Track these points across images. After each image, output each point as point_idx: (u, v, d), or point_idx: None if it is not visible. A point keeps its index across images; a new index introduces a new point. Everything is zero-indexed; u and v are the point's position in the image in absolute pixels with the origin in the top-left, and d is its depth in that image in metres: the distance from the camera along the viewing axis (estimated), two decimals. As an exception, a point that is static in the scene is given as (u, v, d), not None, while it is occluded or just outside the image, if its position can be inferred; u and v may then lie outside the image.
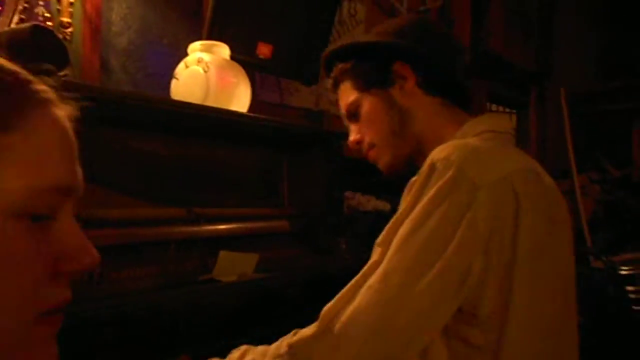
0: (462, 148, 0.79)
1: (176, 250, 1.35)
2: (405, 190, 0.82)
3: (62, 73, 0.99)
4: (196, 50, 1.42)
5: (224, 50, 1.45)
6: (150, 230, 1.31)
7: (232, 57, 1.48)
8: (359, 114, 0.97)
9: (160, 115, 1.31)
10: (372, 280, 0.75)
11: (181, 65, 1.41)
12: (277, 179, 1.78)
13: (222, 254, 1.36)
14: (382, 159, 0.97)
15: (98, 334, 1.05)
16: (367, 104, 0.95)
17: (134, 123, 1.33)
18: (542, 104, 4.24)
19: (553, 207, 0.86)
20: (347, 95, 0.98)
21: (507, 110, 4.14)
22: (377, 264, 0.76)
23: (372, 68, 0.95)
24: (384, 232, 0.80)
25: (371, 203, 2.26)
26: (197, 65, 1.37)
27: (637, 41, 4.42)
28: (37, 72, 0.43)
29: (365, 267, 0.78)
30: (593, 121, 4.35)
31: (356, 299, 0.75)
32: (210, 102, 1.36)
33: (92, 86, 1.29)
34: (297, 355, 0.78)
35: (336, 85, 1.01)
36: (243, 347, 0.89)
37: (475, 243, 0.74)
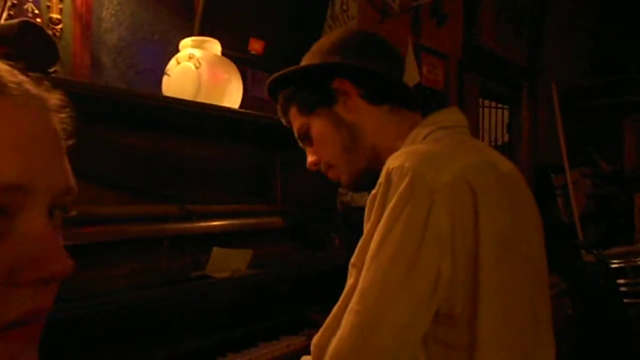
0: (414, 154, 0.80)
1: (169, 247, 1.35)
2: (367, 205, 0.82)
3: (51, 69, 0.98)
4: (187, 46, 1.41)
5: (215, 46, 1.45)
6: (143, 227, 1.30)
7: (224, 53, 1.48)
8: (310, 137, 0.97)
9: (152, 112, 1.31)
10: (352, 303, 0.75)
11: (172, 61, 1.40)
12: (269, 175, 1.78)
13: (216, 250, 1.36)
14: (342, 177, 0.97)
15: (91, 330, 1.05)
16: (316, 126, 0.95)
17: (125, 120, 1.33)
18: (534, 100, 4.26)
19: (513, 194, 0.86)
20: (295, 120, 0.99)
21: (500, 106, 4.15)
22: (354, 285, 0.77)
23: (312, 91, 0.95)
24: (356, 252, 0.79)
25: (364, 199, 2.26)
26: (189, 61, 1.37)
27: (626, 37, 4.45)
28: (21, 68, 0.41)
29: (345, 291, 0.79)
30: (584, 116, 4.38)
31: (341, 327, 0.75)
32: (202, 99, 1.36)
33: (83, 83, 1.29)
34: None
35: (284, 112, 1.01)
36: None
37: (441, 245, 0.74)
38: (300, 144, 1.02)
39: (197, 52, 1.38)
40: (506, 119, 4.23)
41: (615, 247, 2.71)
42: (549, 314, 0.89)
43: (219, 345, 1.24)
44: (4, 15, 1.14)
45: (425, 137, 0.88)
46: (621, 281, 2.20)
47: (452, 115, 0.93)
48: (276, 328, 1.34)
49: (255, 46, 1.64)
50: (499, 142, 4.18)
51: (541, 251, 0.90)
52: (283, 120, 1.03)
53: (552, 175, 3.93)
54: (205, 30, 1.50)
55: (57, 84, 1.08)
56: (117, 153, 1.34)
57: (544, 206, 3.94)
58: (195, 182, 1.52)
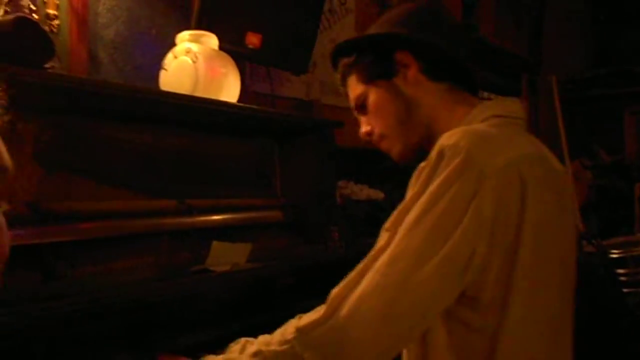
0: (470, 134, 0.79)
1: (169, 242, 1.35)
2: (414, 176, 0.82)
3: (47, 65, 0.98)
4: (184, 40, 1.41)
5: (212, 41, 1.44)
6: (142, 222, 1.31)
7: (221, 47, 1.47)
8: (366, 106, 0.97)
9: (150, 107, 1.31)
10: (379, 264, 0.76)
11: (169, 55, 1.40)
12: (269, 170, 1.78)
13: (215, 244, 1.37)
14: (394, 149, 0.97)
15: (91, 325, 1.05)
16: (373, 96, 0.95)
17: (123, 115, 1.33)
18: (534, 92, 4.25)
19: (560, 193, 0.86)
20: (354, 88, 0.98)
21: (518, 100, 4.14)
22: (384, 248, 0.77)
23: (374, 60, 0.95)
24: (391, 217, 0.80)
25: (364, 192, 2.26)
26: (186, 55, 1.36)
27: (626, 28, 4.43)
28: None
29: (373, 251, 0.79)
30: (584, 108, 4.37)
31: (363, 283, 0.76)
32: (200, 93, 1.36)
33: (80, 78, 1.28)
34: (305, 339, 0.78)
35: (344, 80, 1.01)
36: (242, 340, 0.89)
37: (480, 229, 0.74)
38: (355, 113, 1.02)
39: (194, 47, 1.38)
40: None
41: (616, 237, 2.71)
42: (572, 312, 0.89)
43: (219, 338, 1.24)
44: (1, 11, 1.14)
45: (484, 120, 0.88)
46: (621, 271, 2.20)
47: (512, 105, 0.93)
48: (276, 321, 1.35)
49: (253, 40, 1.64)
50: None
51: (573, 252, 0.90)
52: (341, 89, 1.03)
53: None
54: (202, 24, 1.50)
55: (54, 80, 1.08)
56: (115, 148, 1.35)
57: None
58: (194, 177, 1.52)
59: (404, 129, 0.94)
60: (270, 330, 1.31)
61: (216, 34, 1.46)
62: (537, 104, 4.26)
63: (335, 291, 0.79)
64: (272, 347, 0.81)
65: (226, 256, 1.37)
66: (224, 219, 1.49)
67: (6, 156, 0.43)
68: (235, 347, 0.88)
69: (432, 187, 0.76)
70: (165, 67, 1.39)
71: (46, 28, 1.29)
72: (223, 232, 1.44)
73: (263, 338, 0.85)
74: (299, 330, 0.79)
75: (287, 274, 1.45)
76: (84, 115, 1.26)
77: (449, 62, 0.94)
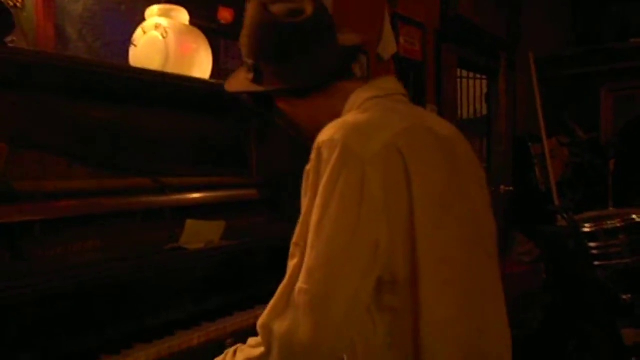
0: (342, 126, 0.80)
1: (142, 220, 1.34)
2: (303, 181, 0.82)
3: (8, 39, 0.95)
4: (153, 14, 1.38)
5: (182, 15, 1.42)
6: (115, 201, 1.29)
7: (192, 22, 1.45)
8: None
9: (119, 83, 1.28)
10: (299, 282, 0.75)
11: (138, 31, 1.37)
12: (244, 147, 1.77)
13: (189, 222, 1.36)
14: None
15: (65, 303, 1.04)
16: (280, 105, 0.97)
17: (93, 92, 1.30)
18: (512, 69, 4.26)
19: (451, 156, 0.86)
20: None
21: (478, 76, 4.16)
22: (300, 264, 0.76)
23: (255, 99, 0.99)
24: (297, 230, 0.79)
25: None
26: (155, 30, 1.34)
27: (605, 5, 4.46)
28: None
29: (289, 270, 0.78)
30: (562, 85, 4.41)
31: (290, 308, 0.75)
32: (170, 69, 1.34)
33: (47, 53, 1.25)
34: None
35: None
36: None
37: (377, 215, 0.75)
38: None
39: (164, 21, 1.35)
40: (484, 89, 4.24)
41: (589, 211, 2.77)
42: (496, 275, 0.91)
43: (195, 315, 1.25)
44: (-41, -16, 1.10)
45: (359, 105, 0.88)
46: (592, 244, 2.25)
47: (387, 84, 0.93)
48: (251, 298, 1.36)
49: (225, 15, 1.61)
50: (478, 115, 4.20)
51: (486, 209, 0.91)
52: None
53: (529, 144, 3.97)
54: (172, -2, 1.47)
55: (14, 54, 1.05)
56: (85, 126, 1.32)
57: (522, 175, 4.00)
58: (168, 155, 1.51)
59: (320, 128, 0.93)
60: (244, 307, 1.32)
61: (186, 9, 1.43)
62: (515, 82, 4.28)
63: (262, 322, 0.78)
64: None
65: (200, 234, 1.37)
66: (198, 197, 1.48)
67: None
68: None
69: (320, 189, 0.76)
70: (134, 42, 1.36)
71: (10, 3, 1.25)
72: (197, 210, 1.44)
73: None
74: None
75: (261, 251, 1.46)
76: (51, 92, 1.23)
77: (320, 77, 0.92)
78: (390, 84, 0.94)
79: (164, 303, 1.22)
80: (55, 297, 1.03)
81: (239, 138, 1.73)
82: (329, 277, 0.74)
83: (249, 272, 1.42)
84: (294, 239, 0.80)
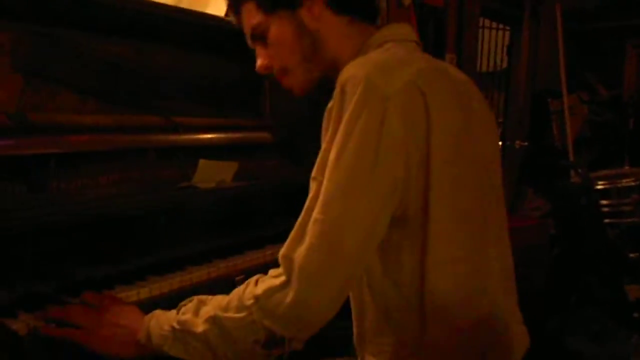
0: (365, 63, 0.81)
1: (156, 158, 1.35)
2: (325, 118, 0.82)
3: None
4: (169, -52, 1.34)
5: (199, -51, 1.38)
6: (128, 138, 1.30)
7: (209, -43, 1.41)
8: (266, 38, 0.92)
9: (133, 18, 1.26)
10: (315, 213, 0.76)
11: (153, -36, 1.34)
12: (258, 90, 1.75)
13: (202, 162, 1.37)
14: (296, 85, 0.94)
15: (77, 236, 1.07)
16: (275, 29, 0.91)
17: (108, 27, 1.29)
18: (536, 21, 4.12)
19: (464, 99, 0.87)
20: (252, 17, 0.92)
21: (500, 27, 4.03)
22: (316, 197, 0.77)
23: None
24: (316, 165, 0.80)
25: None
26: (170, -36, 1.30)
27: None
28: None
29: (307, 203, 0.79)
30: (587, 40, 4.27)
31: (306, 238, 0.76)
32: (185, 5, 1.31)
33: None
34: (264, 306, 0.78)
35: (238, 5, 0.94)
36: (195, 299, 0.86)
37: (397, 150, 0.76)
38: (250, 44, 0.97)
39: (179, -45, 1.32)
40: (506, 41, 4.12)
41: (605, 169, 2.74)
42: (503, 217, 0.92)
43: (206, 252, 1.28)
44: None
45: (377, 47, 0.88)
46: (605, 202, 2.24)
47: (401, 29, 0.93)
48: (261, 238, 1.38)
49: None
50: (498, 68, 4.10)
51: (496, 154, 0.93)
52: (232, 17, 0.98)
53: (549, 100, 3.89)
54: None
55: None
56: (100, 62, 1.31)
57: (539, 131, 3.94)
58: (182, 95, 1.50)
59: (308, 65, 0.91)
60: (255, 246, 1.34)
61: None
62: (539, 34, 4.15)
63: (282, 253, 0.79)
64: (230, 314, 0.80)
65: (213, 174, 1.38)
66: (211, 138, 1.48)
67: None
68: (188, 305, 0.85)
69: (342, 125, 0.76)
70: (150, -24, 1.33)
71: None
72: (210, 150, 1.44)
73: (218, 302, 0.83)
74: (257, 298, 0.79)
75: (273, 194, 1.47)
76: (66, 26, 1.22)
77: None
78: (405, 29, 0.94)
79: (176, 239, 1.25)
80: (70, 228, 1.05)
81: (253, 81, 1.72)
82: (345, 209, 0.75)
83: (260, 213, 1.43)
84: (312, 174, 0.80)
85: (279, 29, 0.90)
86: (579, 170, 2.17)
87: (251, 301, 0.79)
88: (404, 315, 0.84)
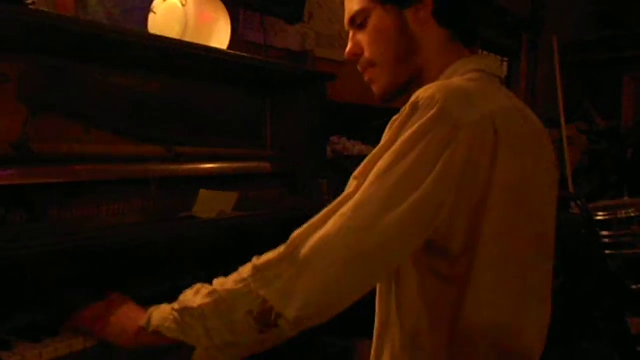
0: (446, 88, 0.79)
1: (157, 188, 1.36)
2: (387, 128, 0.80)
3: (28, 1, 0.96)
4: (174, -17, 1.37)
5: (203, -16, 1.41)
6: (130, 167, 1.31)
7: (212, -8, 1.44)
8: (365, 25, 0.91)
9: (138, 50, 1.28)
10: (345, 208, 0.75)
11: (158, -2, 1.37)
12: (260, 120, 1.77)
13: (202, 192, 1.38)
14: (379, 82, 0.93)
15: (76, 267, 1.07)
16: (378, 19, 0.89)
17: (112, 58, 1.31)
18: (534, 52, 4.19)
19: (537, 147, 0.86)
20: (358, 0, 0.91)
21: (499, 58, 4.09)
22: (352, 195, 0.76)
23: None
24: (361, 165, 0.79)
25: (357, 148, 2.26)
26: (175, -2, 1.33)
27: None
28: None
29: (340, 197, 0.78)
30: (584, 71, 4.32)
31: (327, 225, 0.75)
32: (189, 38, 1.34)
33: (61, 15, 1.25)
34: (261, 276, 0.76)
35: None
36: (197, 285, 0.86)
37: (450, 180, 0.74)
38: (347, 27, 0.96)
39: (184, -10, 1.35)
40: (504, 72, 4.18)
41: (604, 200, 2.74)
42: (549, 274, 0.89)
43: (206, 282, 1.27)
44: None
45: (464, 74, 0.87)
46: (605, 233, 2.24)
47: (492, 62, 0.92)
48: (261, 269, 1.37)
49: (245, -15, 1.60)
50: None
51: (552, 208, 0.90)
52: None
53: (548, 130, 3.92)
54: (193, -33, 1.45)
55: (35, 17, 1.05)
56: (103, 92, 1.33)
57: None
58: (184, 124, 1.52)
59: (398, 66, 0.91)
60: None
61: (207, -22, 1.42)
62: (537, 65, 4.21)
63: (297, 232, 0.78)
64: (227, 286, 0.79)
65: (213, 204, 1.38)
66: (212, 168, 1.49)
67: None
68: (189, 291, 0.86)
69: (403, 137, 0.76)
70: (154, 9, 1.36)
71: (31, -35, 1.25)
72: (211, 180, 1.45)
73: (219, 279, 0.83)
74: (256, 268, 0.78)
75: (273, 224, 1.47)
76: (70, 57, 1.24)
77: (461, 10, 0.92)
78: (495, 63, 0.93)
79: (175, 270, 1.25)
80: (69, 258, 1.05)
81: (255, 111, 1.74)
82: (377, 216, 0.73)
83: (259, 244, 1.43)
84: (355, 173, 0.80)
85: (382, 19, 0.90)
86: (579, 203, 2.17)
87: (250, 272, 0.78)
88: (431, 342, 0.82)
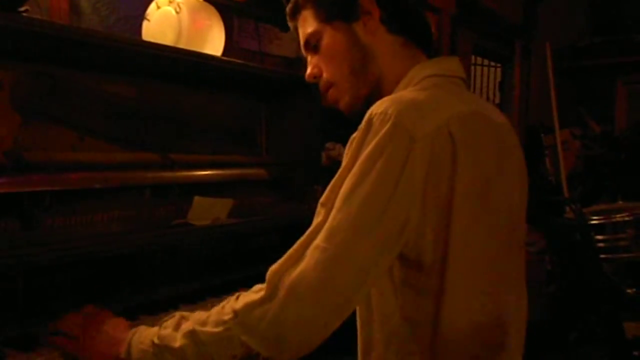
0: (399, 101, 0.79)
1: (151, 195, 1.35)
2: (346, 148, 0.81)
3: (22, 8, 0.96)
4: (168, -10, 1.38)
5: (197, -9, 1.41)
6: (124, 175, 1.30)
7: (206, -1, 1.44)
8: (319, 47, 0.92)
9: (131, 57, 1.28)
10: (318, 239, 0.75)
11: (152, 5, 1.37)
12: (254, 127, 1.77)
13: (197, 199, 1.37)
14: (342, 100, 0.93)
15: (72, 275, 1.06)
16: (329, 38, 0.91)
17: (105, 66, 1.31)
18: (527, 58, 4.21)
19: (501, 147, 0.86)
20: (308, 24, 0.92)
21: (492, 64, 4.11)
22: (322, 223, 0.76)
23: None
24: (326, 192, 0.79)
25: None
26: (169, 5, 1.33)
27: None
28: None
29: (311, 227, 0.78)
30: (578, 76, 4.35)
31: (303, 260, 0.75)
32: (183, 45, 1.34)
33: (55, 23, 1.25)
34: (243, 321, 0.76)
35: (295, 12, 0.94)
36: (177, 314, 0.85)
37: (413, 194, 0.75)
38: (304, 51, 0.97)
39: (178, -3, 1.35)
40: (498, 78, 4.19)
41: (598, 204, 2.75)
42: (522, 267, 0.90)
43: (200, 290, 1.26)
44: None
45: (418, 82, 0.87)
46: (600, 237, 2.24)
47: (450, 64, 0.92)
48: (255, 277, 1.37)
49: (239, -8, 1.60)
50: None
51: (522, 203, 0.90)
52: (289, 24, 0.98)
53: (542, 135, 3.93)
54: (187, -26, 1.46)
55: (28, 24, 1.05)
56: (97, 99, 1.33)
57: (532, 166, 3.97)
58: (178, 131, 1.52)
59: (355, 79, 0.91)
60: (249, 285, 1.33)
61: (201, -15, 1.42)
62: (530, 71, 4.23)
63: (274, 268, 0.78)
64: (207, 328, 0.78)
65: (208, 211, 1.38)
66: (206, 175, 1.49)
67: None
68: (169, 321, 0.84)
69: (362, 157, 0.76)
70: (148, 17, 1.36)
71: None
72: (205, 187, 1.45)
73: (198, 316, 0.81)
74: (236, 312, 0.77)
75: (268, 231, 1.47)
76: (64, 64, 1.24)
77: (410, 14, 0.92)
78: (453, 65, 0.92)
79: (170, 277, 1.24)
80: (63, 266, 1.04)
81: (250, 118, 1.74)
82: (349, 243, 0.74)
83: (254, 251, 1.43)
84: (321, 200, 0.79)
85: (332, 38, 0.91)
86: (573, 207, 2.17)
87: (230, 315, 0.77)
88: (414, 355, 0.82)
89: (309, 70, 0.96)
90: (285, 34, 2.09)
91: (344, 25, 0.90)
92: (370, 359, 0.88)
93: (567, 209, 2.35)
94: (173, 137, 1.48)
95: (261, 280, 1.36)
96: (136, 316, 1.09)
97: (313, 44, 0.93)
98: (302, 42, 0.96)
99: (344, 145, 2.37)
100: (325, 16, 0.91)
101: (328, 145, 2.21)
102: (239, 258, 1.40)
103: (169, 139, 1.46)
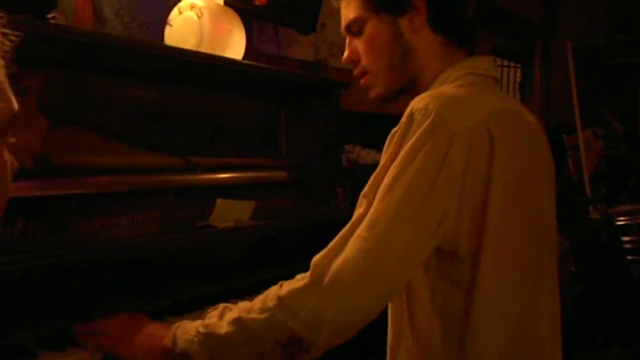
0: (439, 96, 0.81)
1: (174, 198, 1.37)
2: (387, 142, 0.83)
3: (49, 15, 0.98)
4: (190, -5, 1.39)
5: (218, -4, 1.43)
6: (148, 178, 1.32)
7: (227, 3, 1.46)
8: (361, 33, 0.92)
9: (154, 62, 1.30)
10: (360, 229, 0.78)
11: (174, 11, 1.39)
12: (275, 129, 1.78)
13: (219, 201, 1.38)
14: (375, 88, 0.94)
15: (97, 276, 1.08)
16: (372, 28, 0.90)
17: (129, 70, 1.33)
18: (548, 58, 4.16)
19: (532, 146, 0.88)
20: (354, 9, 0.91)
21: (512, 65, 4.07)
22: (364, 214, 0.79)
23: None
24: (368, 184, 0.82)
25: (371, 156, 2.26)
26: (191, 10, 1.35)
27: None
28: None
29: (353, 218, 0.81)
30: (599, 76, 4.29)
31: (345, 249, 0.77)
32: (204, 49, 1.35)
33: (82, 29, 1.28)
34: (288, 306, 0.78)
35: None
36: (221, 305, 0.87)
37: (452, 186, 0.77)
38: (344, 33, 0.97)
39: (199, 2, 1.37)
40: (518, 79, 4.15)
41: (623, 205, 2.70)
42: (554, 267, 0.91)
43: (223, 291, 1.27)
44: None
45: (455, 80, 0.88)
46: (626, 238, 2.20)
47: (484, 64, 0.93)
48: (278, 278, 1.37)
49: (259, -4, 1.61)
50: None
51: (552, 203, 0.92)
52: (334, 2, 0.97)
53: (564, 135, 3.88)
54: (208, -21, 1.47)
55: (57, 31, 1.07)
56: (121, 104, 1.35)
57: (555, 166, 3.91)
58: (200, 135, 1.53)
59: (393, 73, 0.92)
60: (271, 286, 1.33)
61: (222, -11, 1.44)
62: (551, 71, 4.18)
63: (317, 258, 0.80)
64: (253, 315, 0.80)
65: (230, 213, 1.39)
66: (228, 177, 1.50)
67: (13, 99, 0.48)
68: (213, 312, 0.86)
69: (404, 151, 0.78)
70: (170, 22, 1.38)
71: (50, -19, 1.27)
72: (228, 190, 1.46)
73: (243, 305, 0.84)
74: (281, 298, 0.79)
75: (290, 232, 1.47)
76: (89, 70, 1.26)
77: (455, 16, 0.92)
78: (487, 64, 0.93)
79: (194, 279, 1.25)
80: (90, 268, 1.06)
81: (270, 121, 1.74)
82: (390, 232, 0.76)
83: (276, 252, 1.43)
84: (363, 192, 0.82)
85: (375, 29, 0.91)
86: (598, 206, 2.14)
87: (275, 302, 0.79)
88: (444, 350, 0.83)
89: (345, 54, 0.96)
90: (304, 37, 2.10)
91: (389, 18, 0.90)
92: (400, 354, 0.89)
93: (591, 209, 2.31)
94: (195, 141, 1.50)
95: (281, 281, 1.37)
96: (163, 317, 1.10)
97: (355, 30, 0.93)
98: (343, 24, 0.95)
99: (363, 147, 2.37)
100: (374, 5, 0.90)
101: (347, 147, 2.21)
102: (260, 259, 1.41)
103: (191, 142, 1.48)
